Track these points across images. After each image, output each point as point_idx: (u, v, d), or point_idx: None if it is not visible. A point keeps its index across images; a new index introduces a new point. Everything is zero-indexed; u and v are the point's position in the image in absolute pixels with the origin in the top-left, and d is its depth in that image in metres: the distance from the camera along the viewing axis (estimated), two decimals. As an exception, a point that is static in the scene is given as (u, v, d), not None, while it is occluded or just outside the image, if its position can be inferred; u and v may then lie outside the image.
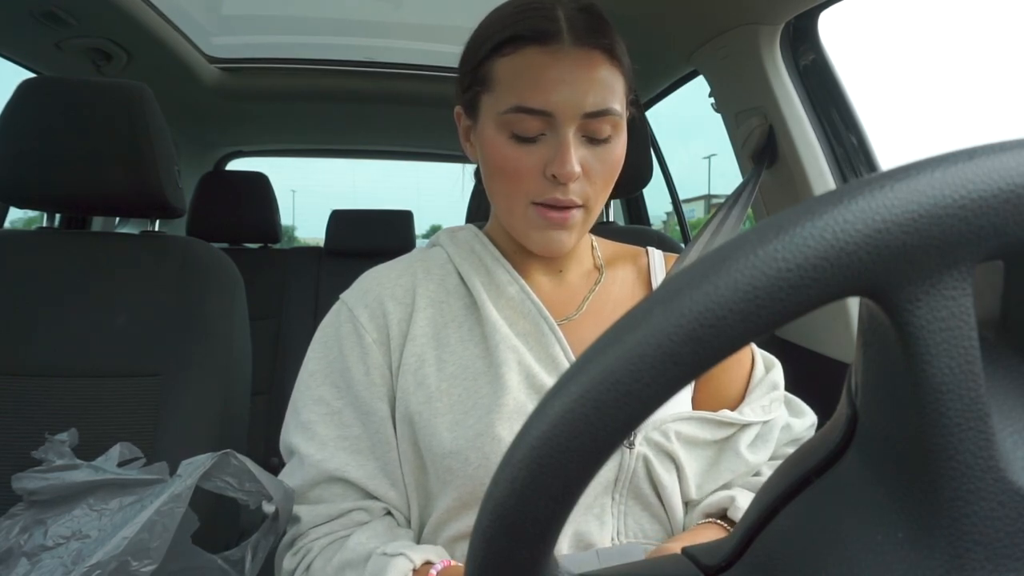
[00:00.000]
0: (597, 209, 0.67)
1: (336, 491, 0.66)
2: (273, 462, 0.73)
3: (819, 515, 0.25)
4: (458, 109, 0.71)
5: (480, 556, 0.24)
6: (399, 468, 0.67)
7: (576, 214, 0.65)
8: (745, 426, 0.67)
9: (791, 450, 0.61)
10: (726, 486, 0.67)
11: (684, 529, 0.66)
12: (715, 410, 0.68)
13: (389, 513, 0.68)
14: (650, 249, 0.80)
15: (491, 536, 0.23)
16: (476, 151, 0.69)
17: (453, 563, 0.59)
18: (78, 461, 0.67)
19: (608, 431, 0.21)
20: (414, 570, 0.57)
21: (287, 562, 0.66)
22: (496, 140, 0.64)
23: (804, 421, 0.73)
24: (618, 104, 0.63)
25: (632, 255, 0.79)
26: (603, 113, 0.62)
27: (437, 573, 0.57)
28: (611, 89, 0.63)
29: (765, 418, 0.68)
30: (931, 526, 0.21)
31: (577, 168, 0.61)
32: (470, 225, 0.76)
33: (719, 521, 0.64)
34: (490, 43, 0.64)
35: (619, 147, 0.65)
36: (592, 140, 0.63)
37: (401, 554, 0.58)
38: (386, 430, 0.67)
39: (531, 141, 0.63)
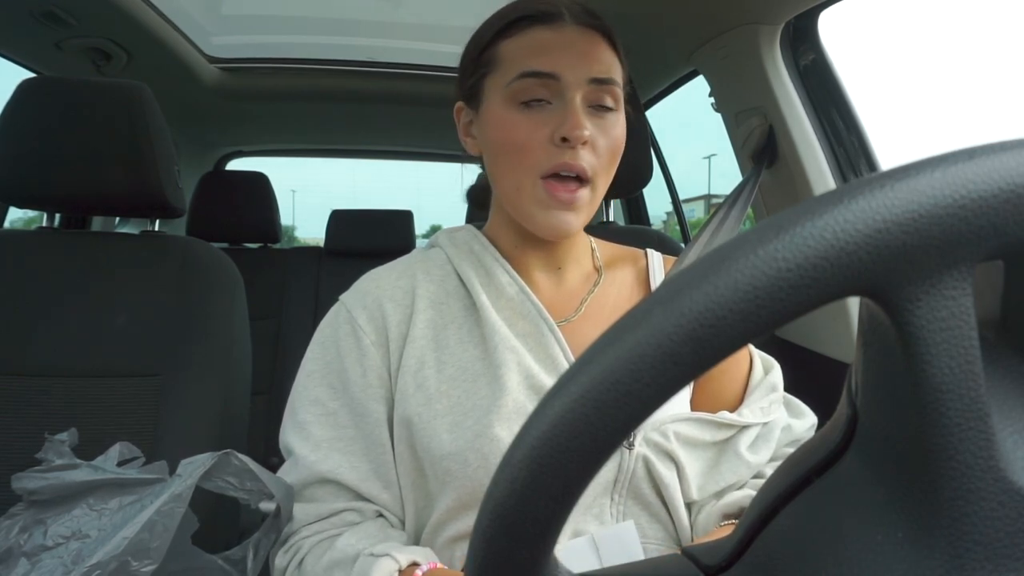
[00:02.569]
0: (602, 189, 0.67)
1: (329, 491, 0.66)
2: (273, 462, 0.73)
3: (819, 515, 0.25)
4: (458, 104, 0.72)
5: (480, 556, 0.24)
6: (393, 470, 0.67)
7: (583, 194, 0.65)
8: (745, 428, 0.67)
9: (791, 451, 0.61)
10: (731, 487, 0.67)
11: (691, 528, 0.66)
12: (714, 412, 0.68)
13: (381, 515, 0.68)
14: (649, 251, 0.79)
15: (491, 536, 0.23)
16: (477, 143, 0.70)
17: (440, 566, 0.59)
18: (77, 461, 0.67)
19: (608, 431, 0.21)
20: (400, 571, 0.57)
21: (279, 559, 0.66)
22: (503, 113, 0.65)
23: (804, 422, 0.73)
24: (620, 80, 0.66)
25: (631, 257, 0.79)
26: (608, 81, 0.65)
27: (423, 574, 0.57)
28: (612, 65, 0.66)
29: (764, 419, 0.68)
30: (931, 526, 0.21)
31: (587, 131, 0.62)
32: (469, 225, 0.76)
33: None
34: (493, 30, 0.67)
35: (620, 123, 0.67)
36: (597, 109, 0.65)
37: (387, 555, 0.58)
38: (381, 432, 0.66)
39: (539, 109, 0.64)
